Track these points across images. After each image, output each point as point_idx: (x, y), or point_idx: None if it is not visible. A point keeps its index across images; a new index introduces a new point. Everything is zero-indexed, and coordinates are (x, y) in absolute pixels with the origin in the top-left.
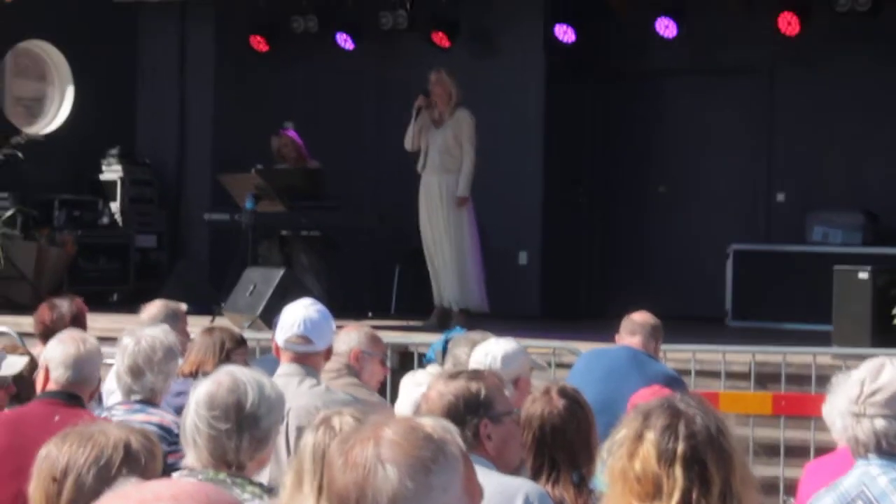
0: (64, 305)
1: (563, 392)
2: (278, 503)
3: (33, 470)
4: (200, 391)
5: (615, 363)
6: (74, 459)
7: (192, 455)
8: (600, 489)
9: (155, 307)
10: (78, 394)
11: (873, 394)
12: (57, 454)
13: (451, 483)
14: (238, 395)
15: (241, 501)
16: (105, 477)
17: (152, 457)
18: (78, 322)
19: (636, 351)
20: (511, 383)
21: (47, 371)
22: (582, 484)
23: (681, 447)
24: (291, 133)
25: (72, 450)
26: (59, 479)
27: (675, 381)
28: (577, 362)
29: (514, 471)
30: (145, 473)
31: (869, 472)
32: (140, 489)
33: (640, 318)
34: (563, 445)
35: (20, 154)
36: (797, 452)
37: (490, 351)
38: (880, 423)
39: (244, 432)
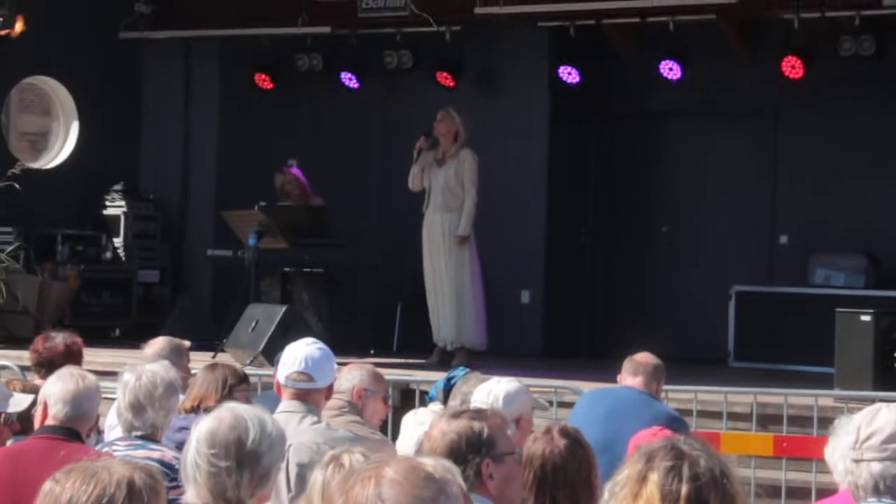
0: (58, 337)
1: (564, 432)
2: None
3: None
4: (201, 428)
5: (617, 403)
6: (77, 497)
7: (192, 491)
8: None
9: (158, 343)
10: (76, 429)
11: (868, 438)
12: (60, 491)
13: None
14: (239, 432)
15: None
16: None
17: (155, 494)
18: (73, 356)
19: (638, 391)
20: (513, 422)
21: (45, 406)
22: None
23: (684, 489)
24: (295, 170)
25: (75, 486)
26: None
27: (677, 421)
28: (579, 402)
29: None
30: None
31: None
32: None
33: (643, 358)
34: (564, 485)
35: (17, 185)
36: (799, 494)
37: (492, 390)
38: (877, 467)
39: (244, 469)
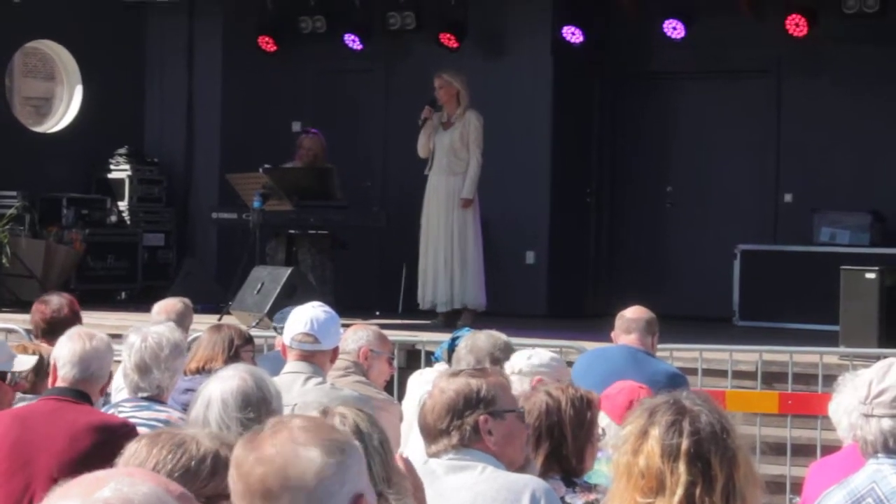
0: (55, 299)
1: (546, 390)
2: None
3: (118, 462)
4: (227, 388)
5: (614, 364)
6: (163, 463)
7: None
8: (603, 484)
9: (166, 304)
10: (85, 391)
11: (880, 394)
12: (146, 455)
13: (363, 464)
14: (264, 392)
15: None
16: (189, 485)
17: None
18: (76, 316)
19: (635, 350)
20: None
21: (55, 368)
22: (568, 477)
23: (685, 443)
24: (316, 133)
25: (161, 453)
26: None
27: (676, 378)
28: (577, 363)
29: (521, 468)
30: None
31: (881, 471)
32: (98, 473)
33: (633, 314)
34: (541, 437)
35: None
36: (804, 451)
37: (519, 363)
38: (887, 423)
39: None
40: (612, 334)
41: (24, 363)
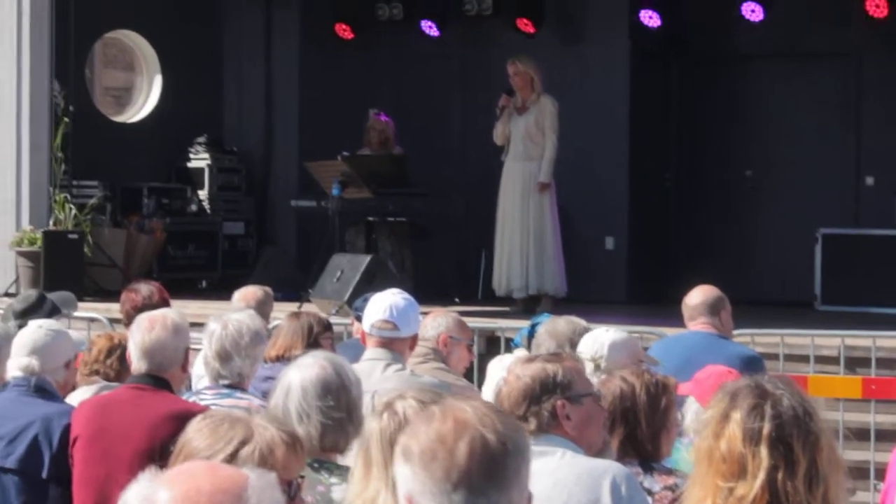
0: (145, 287)
1: (623, 376)
2: (349, 491)
3: (177, 446)
4: (306, 377)
5: (689, 352)
6: (217, 449)
7: None
8: (682, 469)
9: (246, 291)
10: (162, 377)
11: None
12: (200, 440)
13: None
14: (343, 380)
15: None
16: None
17: (295, 457)
18: (165, 303)
19: (706, 335)
20: None
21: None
22: (646, 461)
23: (766, 427)
24: (387, 118)
25: (217, 435)
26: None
27: (753, 360)
28: (652, 350)
29: (599, 452)
30: (283, 473)
31: None
32: (188, 465)
33: (694, 300)
34: (615, 426)
35: None
36: (888, 436)
37: (598, 338)
38: None
39: (353, 417)
40: (685, 321)
41: (79, 340)
